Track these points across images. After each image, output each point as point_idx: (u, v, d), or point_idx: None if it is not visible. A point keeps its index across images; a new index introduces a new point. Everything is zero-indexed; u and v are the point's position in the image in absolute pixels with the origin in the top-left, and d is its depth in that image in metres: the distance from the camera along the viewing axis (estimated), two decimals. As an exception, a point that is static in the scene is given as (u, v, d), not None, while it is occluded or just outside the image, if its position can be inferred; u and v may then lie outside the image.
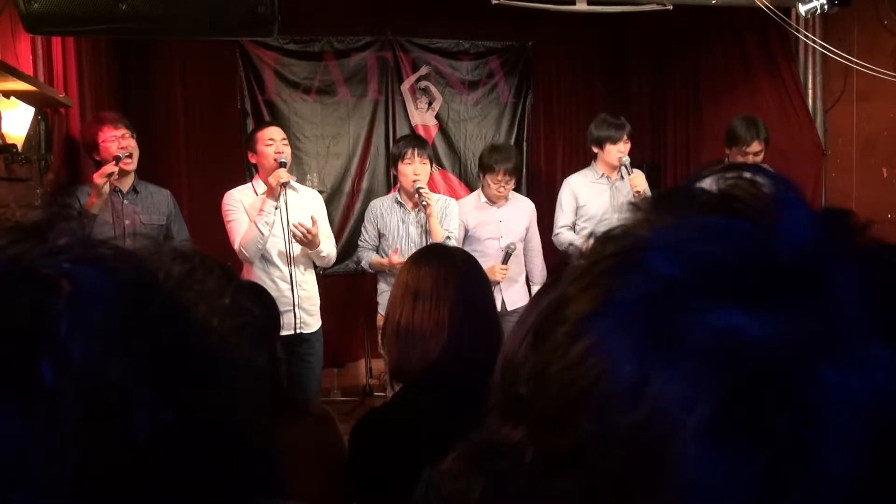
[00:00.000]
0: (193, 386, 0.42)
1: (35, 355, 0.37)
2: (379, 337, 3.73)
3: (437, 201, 3.79)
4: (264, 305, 1.65)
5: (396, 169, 3.83)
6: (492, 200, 3.96)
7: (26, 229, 0.43)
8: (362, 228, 3.96)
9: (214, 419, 0.43)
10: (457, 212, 3.91)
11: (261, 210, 3.45)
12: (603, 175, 4.05)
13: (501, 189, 3.90)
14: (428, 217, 3.67)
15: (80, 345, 0.38)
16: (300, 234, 3.42)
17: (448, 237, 3.74)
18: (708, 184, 0.38)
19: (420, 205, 3.69)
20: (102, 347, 0.38)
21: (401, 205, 3.83)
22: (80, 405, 0.37)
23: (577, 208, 4.08)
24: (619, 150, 3.97)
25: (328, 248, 3.64)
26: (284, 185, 3.44)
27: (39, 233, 0.42)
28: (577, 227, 4.08)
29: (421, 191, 3.67)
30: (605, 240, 0.37)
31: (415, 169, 3.72)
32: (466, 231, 3.94)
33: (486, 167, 3.93)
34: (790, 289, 0.32)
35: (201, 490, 0.41)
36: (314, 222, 3.46)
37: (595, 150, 4.09)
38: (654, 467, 0.30)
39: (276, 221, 3.48)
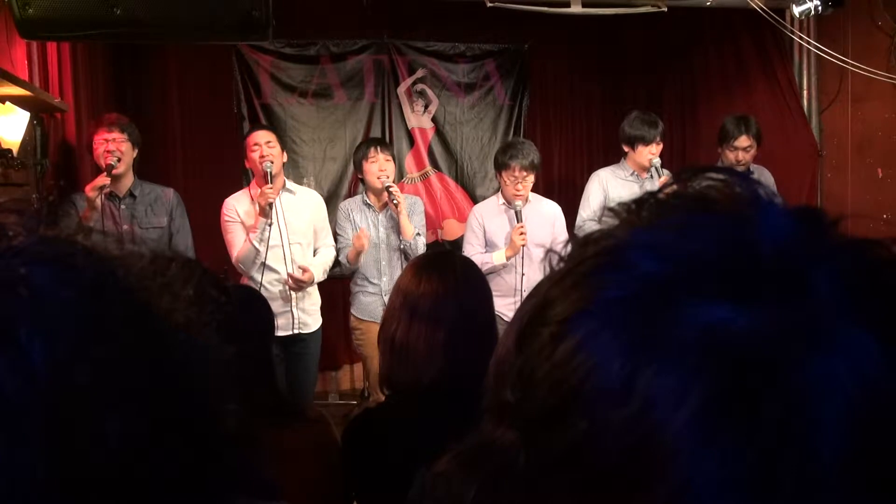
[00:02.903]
0: (161, 386, 0.41)
1: None
2: (362, 332, 3.76)
3: (405, 200, 3.79)
4: (257, 308, 1.65)
5: (361, 172, 3.82)
6: (510, 202, 3.77)
7: None
8: (337, 229, 3.86)
9: (185, 418, 0.42)
10: (423, 209, 3.93)
11: (254, 227, 3.49)
12: (633, 173, 3.95)
13: (519, 187, 3.69)
14: (398, 214, 3.67)
15: (42, 352, 0.37)
16: (293, 285, 3.50)
17: (418, 234, 3.75)
18: (685, 187, 0.39)
19: (390, 203, 3.69)
20: (65, 353, 0.37)
21: (369, 206, 3.83)
22: (45, 414, 0.36)
23: (605, 203, 3.89)
24: (650, 152, 3.86)
25: (326, 258, 3.72)
26: (271, 204, 3.45)
27: None
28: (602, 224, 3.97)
29: (390, 189, 3.67)
30: (585, 242, 0.38)
31: (380, 165, 3.73)
32: (486, 235, 3.82)
33: (500, 165, 3.77)
34: (772, 282, 0.32)
35: (175, 490, 0.41)
36: (304, 270, 3.53)
37: (626, 148, 3.97)
38: (648, 461, 0.31)
39: (274, 224, 3.52)
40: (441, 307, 1.52)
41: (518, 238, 3.60)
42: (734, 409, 0.30)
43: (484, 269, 3.63)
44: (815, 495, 0.30)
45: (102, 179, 3.32)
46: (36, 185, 3.58)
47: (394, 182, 3.77)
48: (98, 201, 3.30)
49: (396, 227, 3.74)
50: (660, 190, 0.39)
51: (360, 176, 3.91)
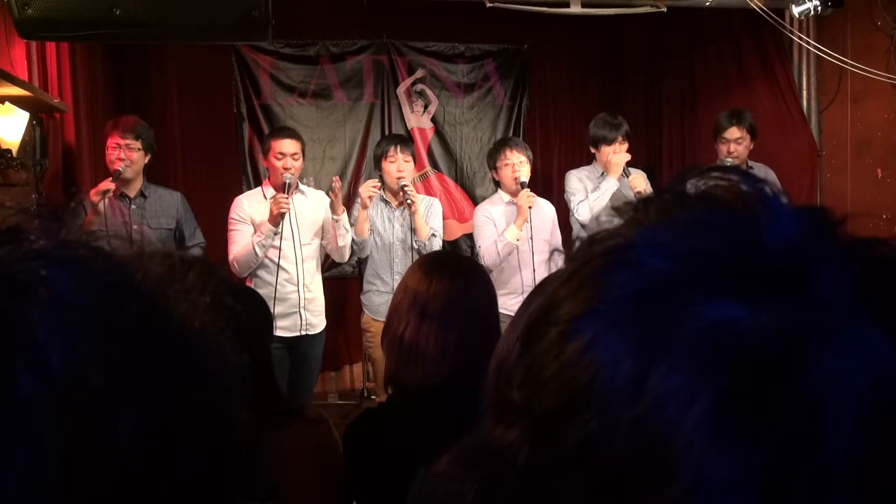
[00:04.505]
0: (175, 389, 0.42)
1: (12, 365, 0.36)
2: (376, 334, 3.74)
3: (422, 201, 3.78)
4: (255, 307, 1.65)
5: (380, 168, 3.82)
6: (512, 193, 3.79)
7: (2, 233, 0.42)
8: (352, 221, 3.85)
9: (197, 421, 0.43)
10: (440, 211, 3.92)
11: (260, 231, 3.45)
12: (603, 173, 3.99)
13: (516, 170, 3.74)
14: (413, 215, 3.65)
15: (59, 353, 0.37)
16: (338, 186, 3.50)
17: (433, 235, 3.74)
18: (691, 187, 0.39)
19: (405, 203, 3.68)
20: (82, 354, 0.38)
21: (386, 203, 3.82)
22: (60, 415, 0.36)
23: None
24: (613, 152, 3.91)
25: (347, 228, 3.67)
26: (282, 215, 3.43)
27: (15, 236, 0.42)
28: None
29: (406, 189, 3.65)
30: (592, 241, 0.38)
31: (398, 166, 3.72)
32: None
33: (494, 157, 3.85)
34: (782, 281, 0.33)
35: (185, 491, 0.41)
36: (337, 181, 3.55)
37: (592, 150, 4.05)
38: (658, 461, 0.31)
39: (286, 224, 3.51)
40: (452, 308, 1.51)
41: (525, 200, 3.62)
42: (745, 409, 0.30)
43: (501, 250, 3.64)
44: (828, 496, 0.30)
45: (107, 184, 3.34)
46: (35, 185, 3.58)
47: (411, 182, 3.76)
48: (101, 206, 3.32)
49: (412, 226, 3.72)
50: (666, 189, 0.39)
51: (378, 172, 3.91)
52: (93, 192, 3.34)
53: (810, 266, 0.33)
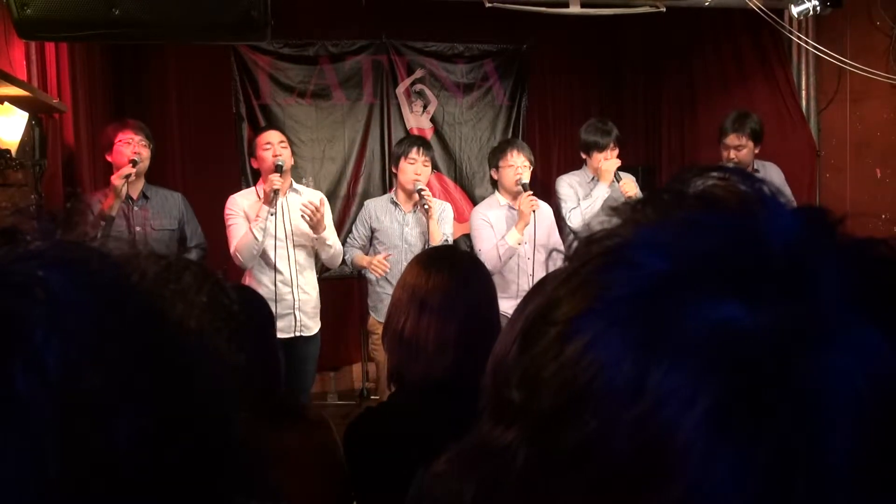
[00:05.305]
0: (173, 388, 0.42)
1: (9, 365, 0.36)
2: (381, 335, 3.70)
3: (434, 204, 3.77)
4: (255, 307, 1.64)
5: (397, 167, 3.80)
6: (513, 195, 3.77)
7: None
8: (353, 228, 3.94)
9: (195, 420, 0.43)
10: (451, 216, 3.90)
11: (256, 216, 3.48)
12: (593, 178, 4.00)
13: (518, 172, 3.72)
14: (428, 219, 3.64)
15: (56, 353, 0.37)
16: (309, 212, 3.42)
17: (445, 240, 3.72)
18: (689, 186, 0.39)
19: (420, 207, 3.66)
20: (79, 355, 0.38)
21: (396, 205, 3.81)
22: (57, 415, 0.36)
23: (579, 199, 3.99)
24: (604, 158, 3.92)
25: (334, 240, 3.67)
26: (277, 191, 3.44)
27: (12, 237, 0.42)
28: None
29: (423, 193, 3.64)
30: (589, 242, 0.38)
31: (416, 169, 3.71)
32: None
33: (496, 158, 3.84)
34: (781, 281, 0.33)
35: (181, 491, 0.41)
36: (322, 202, 3.52)
37: (583, 155, 4.07)
38: (659, 461, 0.31)
39: (279, 225, 3.50)
40: (451, 301, 1.51)
41: (528, 205, 3.60)
42: (745, 409, 0.30)
43: (503, 254, 3.63)
44: (828, 496, 0.30)
45: (128, 169, 3.41)
46: (34, 185, 3.58)
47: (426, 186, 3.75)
48: (123, 190, 3.39)
49: (423, 230, 3.71)
50: (664, 188, 0.39)
51: (393, 170, 3.89)
52: (114, 177, 3.40)
53: (809, 266, 0.33)
